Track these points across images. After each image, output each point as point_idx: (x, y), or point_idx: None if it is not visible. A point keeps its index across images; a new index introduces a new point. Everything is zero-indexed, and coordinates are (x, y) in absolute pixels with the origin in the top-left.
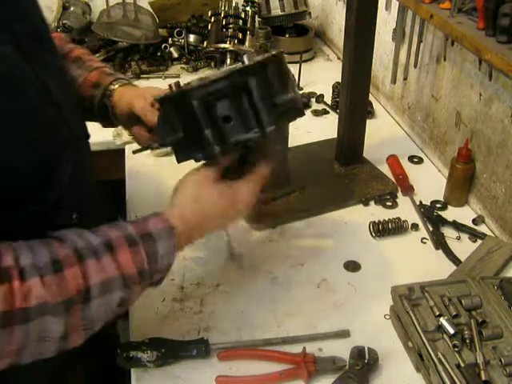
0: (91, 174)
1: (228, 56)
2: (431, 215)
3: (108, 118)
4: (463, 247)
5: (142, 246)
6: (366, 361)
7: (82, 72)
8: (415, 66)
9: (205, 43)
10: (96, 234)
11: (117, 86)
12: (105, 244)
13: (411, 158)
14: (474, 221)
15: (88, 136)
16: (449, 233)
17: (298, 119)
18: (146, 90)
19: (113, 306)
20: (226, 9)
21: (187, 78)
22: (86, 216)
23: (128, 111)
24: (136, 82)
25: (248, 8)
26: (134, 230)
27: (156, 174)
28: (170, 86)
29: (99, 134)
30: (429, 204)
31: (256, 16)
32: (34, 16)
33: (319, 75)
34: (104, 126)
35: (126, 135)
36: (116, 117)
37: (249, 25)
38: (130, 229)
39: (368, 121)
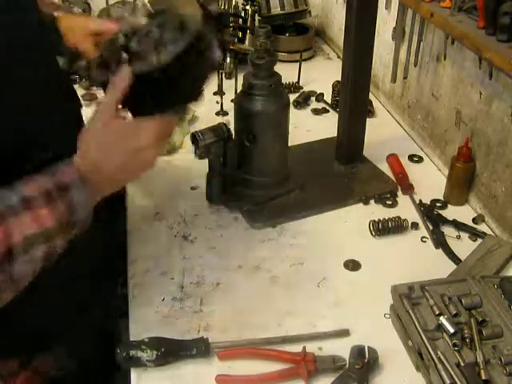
0: None
1: (228, 55)
2: (431, 214)
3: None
4: (463, 246)
5: (59, 199)
6: (365, 360)
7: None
8: (415, 64)
9: None
10: (14, 192)
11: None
12: (23, 201)
13: (411, 157)
14: (474, 220)
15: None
16: (449, 232)
17: (298, 119)
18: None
19: (38, 261)
20: (226, 7)
21: None
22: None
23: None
24: None
25: (248, 7)
26: (51, 183)
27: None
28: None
29: None
30: (429, 203)
31: (256, 15)
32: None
33: (319, 74)
34: None
35: None
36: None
37: (249, 23)
38: (47, 182)
39: (368, 120)
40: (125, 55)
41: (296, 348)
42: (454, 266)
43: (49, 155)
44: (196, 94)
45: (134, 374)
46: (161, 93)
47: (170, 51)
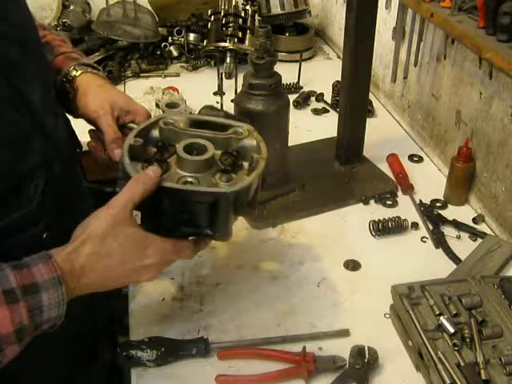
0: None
1: (228, 55)
2: (431, 214)
3: (68, 108)
4: (463, 246)
5: (22, 300)
6: (365, 360)
7: (47, 58)
8: (415, 64)
9: (205, 42)
10: None
11: (79, 72)
12: None
13: (411, 157)
14: (474, 220)
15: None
16: (449, 232)
17: (298, 119)
18: (113, 100)
19: None
20: (226, 7)
21: (187, 77)
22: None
23: (91, 119)
24: (136, 81)
25: (248, 7)
26: (16, 281)
27: None
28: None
29: None
30: (429, 203)
31: (256, 15)
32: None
33: (319, 74)
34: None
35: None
36: (77, 111)
37: (249, 23)
38: (12, 279)
39: (368, 120)
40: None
41: (296, 348)
42: (454, 266)
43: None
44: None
45: (134, 374)
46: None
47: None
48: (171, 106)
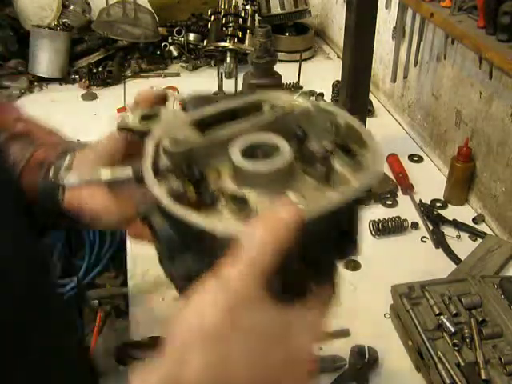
0: None
1: (228, 55)
2: (431, 214)
3: (51, 210)
4: (463, 246)
5: None
6: (365, 360)
7: (25, 152)
8: (415, 64)
9: (205, 42)
10: None
11: (67, 159)
12: None
13: (411, 157)
14: (474, 220)
15: None
16: (449, 232)
17: None
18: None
19: None
20: (226, 7)
21: (187, 77)
22: None
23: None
24: (135, 81)
25: (248, 6)
26: None
27: None
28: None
29: (99, 132)
30: (429, 203)
31: (256, 14)
32: None
33: (319, 74)
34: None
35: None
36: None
37: (249, 23)
38: None
39: (368, 119)
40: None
41: None
42: (454, 266)
43: None
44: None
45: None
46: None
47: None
48: (147, 117)
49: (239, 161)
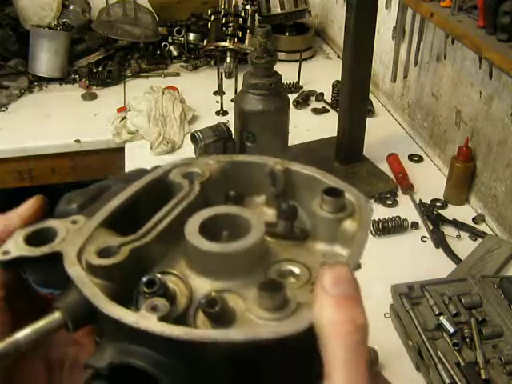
0: None
1: (228, 54)
2: (431, 214)
3: None
4: (463, 246)
5: None
6: None
7: None
8: (415, 64)
9: (204, 42)
10: None
11: None
12: None
13: (411, 157)
14: (474, 219)
15: None
16: (449, 231)
17: (298, 119)
18: None
19: None
20: (226, 7)
21: (187, 77)
22: None
23: None
24: (136, 81)
25: (248, 6)
26: None
27: None
28: None
29: (99, 132)
30: (429, 202)
31: (256, 14)
32: None
33: (319, 74)
34: None
35: (125, 134)
36: None
37: (249, 23)
38: None
39: (368, 119)
40: None
41: None
42: (454, 266)
43: None
44: None
45: None
46: None
47: None
48: (35, 237)
49: (203, 243)
